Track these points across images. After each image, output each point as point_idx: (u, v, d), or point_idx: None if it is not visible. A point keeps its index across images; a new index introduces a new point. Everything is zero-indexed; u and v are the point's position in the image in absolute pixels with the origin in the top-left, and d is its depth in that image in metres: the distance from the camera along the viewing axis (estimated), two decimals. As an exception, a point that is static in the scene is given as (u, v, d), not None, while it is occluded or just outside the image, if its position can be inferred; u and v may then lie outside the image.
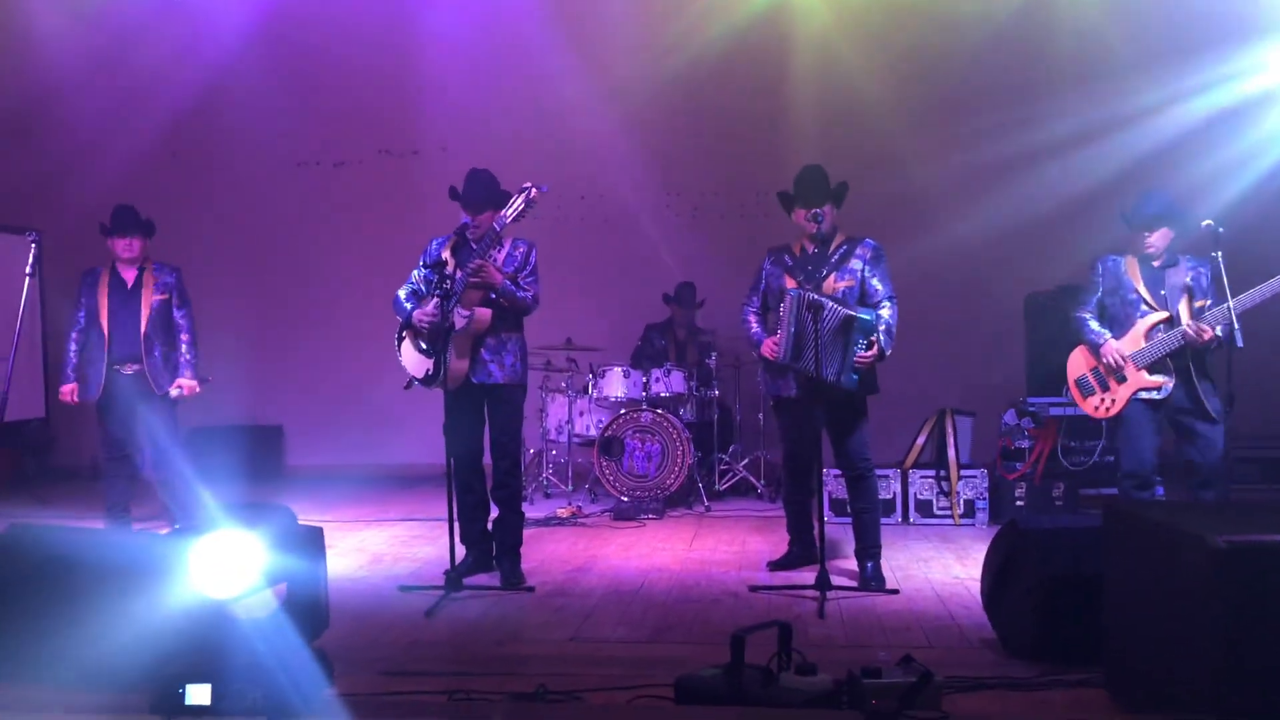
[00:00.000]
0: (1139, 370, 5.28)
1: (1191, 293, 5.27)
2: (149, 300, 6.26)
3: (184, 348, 6.36)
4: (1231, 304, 5.01)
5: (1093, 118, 8.43)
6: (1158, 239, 5.32)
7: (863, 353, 5.03)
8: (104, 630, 3.56)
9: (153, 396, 6.19)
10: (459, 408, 5.29)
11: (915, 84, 8.90)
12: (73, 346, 6.29)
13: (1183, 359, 5.22)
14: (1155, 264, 5.36)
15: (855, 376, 5.05)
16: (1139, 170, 8.02)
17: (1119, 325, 5.39)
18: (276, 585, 3.54)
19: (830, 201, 5.29)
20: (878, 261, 5.32)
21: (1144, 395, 5.29)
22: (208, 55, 9.05)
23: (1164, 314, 5.28)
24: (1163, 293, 5.31)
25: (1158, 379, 5.26)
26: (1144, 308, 5.32)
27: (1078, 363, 5.55)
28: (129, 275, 6.32)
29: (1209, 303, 5.22)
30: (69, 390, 6.27)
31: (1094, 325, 5.45)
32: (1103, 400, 5.42)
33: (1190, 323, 5.15)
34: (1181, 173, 7.57)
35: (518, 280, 5.32)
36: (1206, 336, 5.10)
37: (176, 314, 6.37)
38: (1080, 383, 5.52)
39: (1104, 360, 5.36)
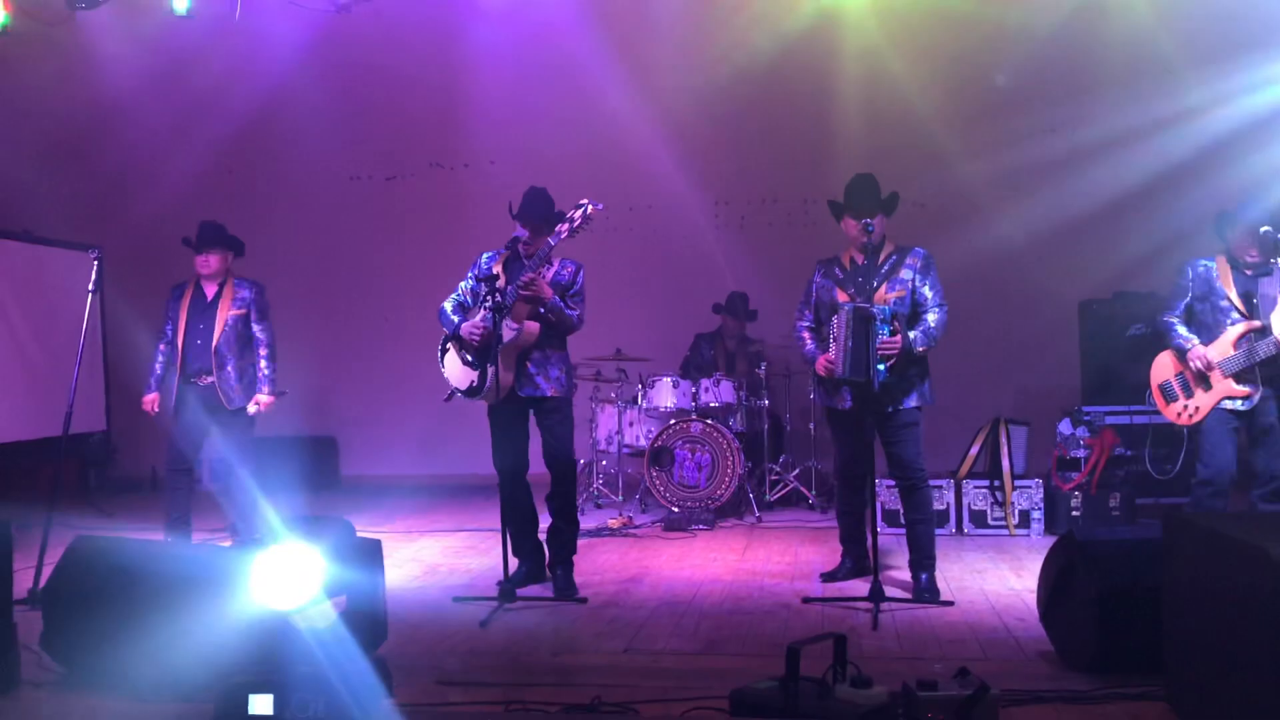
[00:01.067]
0: (1226, 378, 5.19)
1: None
2: (224, 315, 6.29)
3: (262, 362, 6.36)
4: None
5: (1142, 119, 8.31)
6: (1256, 244, 5.20)
7: (885, 340, 4.99)
8: (168, 641, 3.64)
9: (222, 410, 6.24)
10: (506, 421, 5.34)
11: (963, 92, 8.85)
12: (158, 358, 6.37)
13: (1273, 369, 5.11)
14: (1249, 272, 5.26)
15: (882, 368, 5.00)
16: (1189, 172, 7.93)
17: (1207, 332, 5.28)
18: (337, 597, 3.60)
19: (881, 211, 5.26)
20: (928, 270, 5.28)
21: (1228, 404, 5.20)
22: (261, 74, 9.21)
23: (1256, 323, 5.16)
24: (1255, 301, 5.19)
25: (1244, 389, 5.16)
26: (1235, 315, 5.22)
27: (1163, 367, 5.46)
28: (210, 290, 6.39)
29: None
30: (150, 400, 6.35)
31: (1182, 330, 5.35)
32: (1186, 407, 5.32)
33: None
34: (1231, 174, 7.46)
35: (566, 299, 5.36)
36: None
37: (255, 328, 6.38)
38: (1164, 388, 5.43)
39: (1191, 366, 5.27)
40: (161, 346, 6.37)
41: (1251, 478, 5.32)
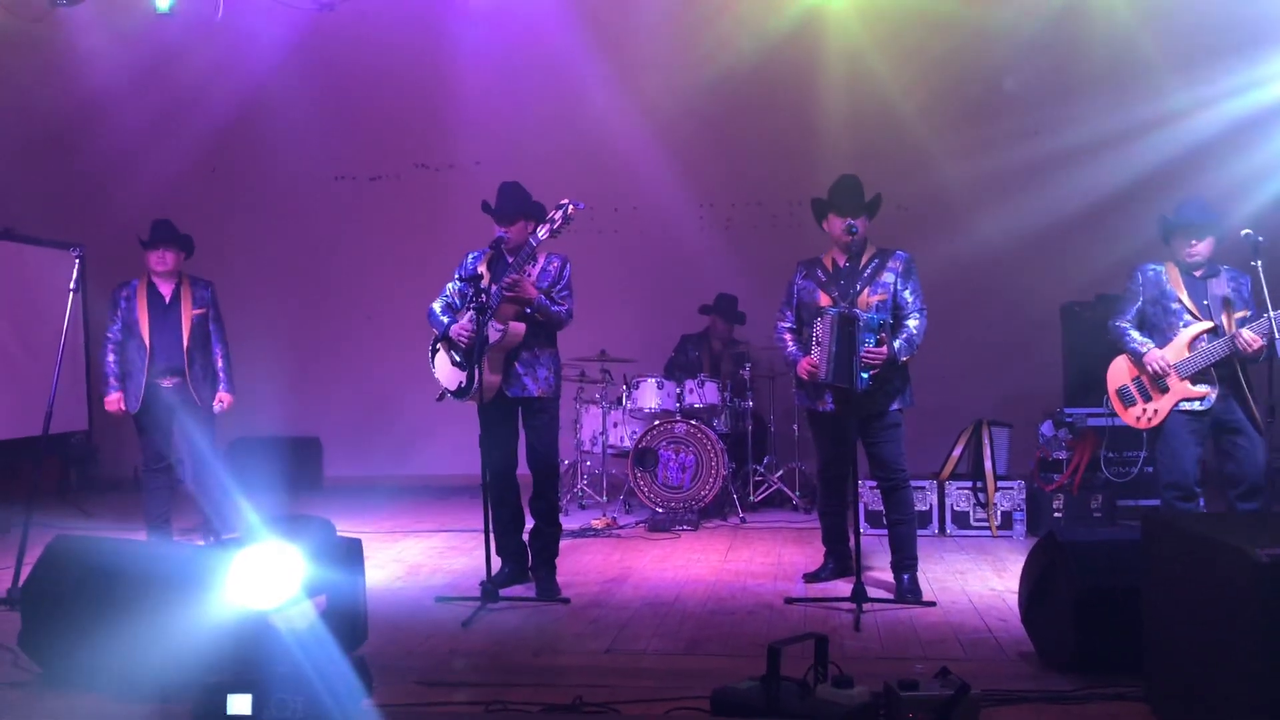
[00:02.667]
0: (1182, 380, 5.22)
1: (1231, 303, 5.20)
2: (189, 314, 6.33)
3: (221, 360, 6.44)
4: (1274, 314, 4.95)
5: (1125, 123, 8.35)
6: (1202, 248, 5.25)
7: (870, 349, 5.01)
8: (147, 640, 3.62)
9: (195, 408, 6.26)
10: (493, 421, 5.33)
11: (947, 94, 8.88)
12: (111, 358, 6.34)
13: (1228, 369, 5.16)
14: (1197, 274, 5.30)
15: (865, 375, 5.01)
16: (1171, 175, 7.96)
17: (1160, 335, 5.32)
18: (316, 596, 3.59)
19: (865, 214, 5.27)
20: (909, 273, 5.29)
21: (1186, 406, 5.23)
22: (246, 72, 9.18)
23: (1209, 324, 5.21)
24: (1205, 303, 5.24)
25: (1201, 389, 5.19)
26: (1187, 317, 5.25)
27: (1119, 372, 5.49)
28: (166, 289, 6.37)
29: (1249, 313, 5.15)
30: (115, 399, 6.32)
31: (1135, 334, 5.38)
32: (1144, 411, 5.36)
33: (1240, 332, 5.08)
34: (1214, 177, 7.50)
35: (552, 295, 5.35)
36: (1256, 346, 5.03)
37: (212, 327, 6.45)
38: (1121, 393, 5.46)
39: (1148, 369, 5.30)
40: (112, 347, 6.33)
41: (1221, 479, 5.35)
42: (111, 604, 3.82)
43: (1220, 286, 5.24)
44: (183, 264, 6.47)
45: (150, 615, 3.70)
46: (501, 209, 5.36)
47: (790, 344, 5.44)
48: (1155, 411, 5.31)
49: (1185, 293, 5.27)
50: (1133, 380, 5.41)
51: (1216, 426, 5.22)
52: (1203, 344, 5.19)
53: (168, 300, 6.35)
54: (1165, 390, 5.27)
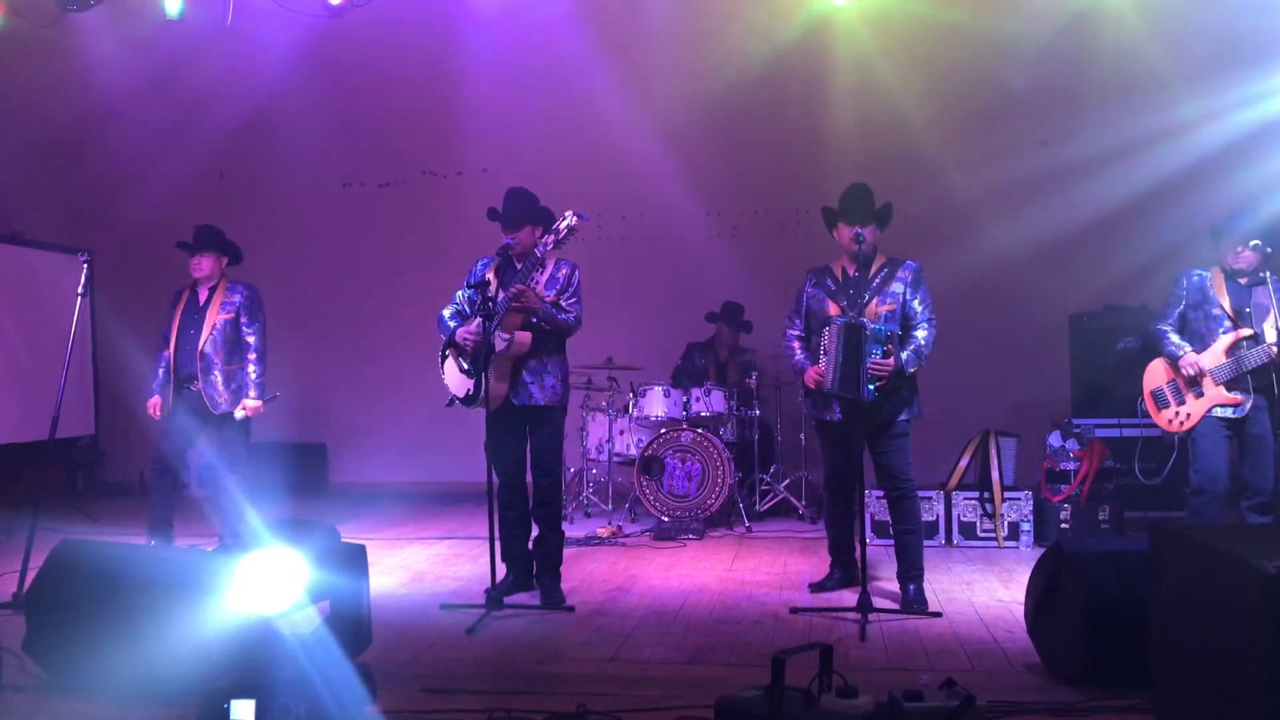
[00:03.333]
0: (1217, 385, 5.20)
1: (1277, 313, 5.15)
2: (212, 319, 6.23)
3: (250, 367, 6.25)
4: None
5: (1134, 134, 8.33)
6: (1249, 255, 5.24)
7: (878, 360, 4.99)
8: (152, 645, 3.62)
9: (208, 415, 6.20)
10: (500, 428, 5.32)
11: (956, 103, 8.87)
12: (161, 363, 6.31)
13: (1264, 378, 5.14)
14: (1242, 281, 5.29)
15: (872, 387, 5.00)
16: (1180, 187, 7.95)
17: (1199, 340, 5.33)
18: (320, 602, 3.58)
19: (874, 222, 5.25)
20: (919, 283, 5.28)
21: (1219, 412, 5.22)
22: (256, 79, 9.21)
23: (1248, 331, 5.19)
24: (1248, 310, 5.23)
25: (1236, 396, 5.18)
26: (1227, 324, 5.25)
27: (1155, 374, 5.49)
28: (203, 294, 6.35)
29: None
30: (153, 404, 6.31)
31: (1174, 338, 5.39)
32: (1177, 414, 5.35)
33: (1277, 341, 5.06)
34: (1224, 188, 7.48)
35: (560, 303, 5.34)
36: None
37: (245, 331, 6.27)
38: (1156, 394, 5.46)
39: (1183, 373, 5.29)
40: (162, 353, 6.30)
41: (1242, 488, 5.33)
42: (116, 609, 3.81)
43: (1265, 295, 5.21)
44: (224, 269, 6.39)
45: (155, 620, 3.69)
46: (507, 215, 5.36)
47: (798, 352, 5.43)
48: (1188, 415, 5.30)
49: (1228, 299, 5.26)
50: (1168, 383, 5.41)
51: (1244, 435, 5.20)
52: (1241, 351, 5.18)
53: (200, 305, 6.32)
54: (1200, 395, 5.26)
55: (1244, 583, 2.86)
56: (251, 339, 6.30)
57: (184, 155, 9.48)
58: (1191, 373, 5.25)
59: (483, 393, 5.21)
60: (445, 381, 5.54)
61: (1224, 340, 5.23)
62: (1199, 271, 5.42)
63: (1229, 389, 5.19)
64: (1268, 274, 5.20)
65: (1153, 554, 3.55)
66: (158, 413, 6.26)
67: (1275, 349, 5.03)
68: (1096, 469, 6.93)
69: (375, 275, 9.85)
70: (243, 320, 6.29)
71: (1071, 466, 7.01)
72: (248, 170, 9.94)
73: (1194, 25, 8.26)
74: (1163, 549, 3.49)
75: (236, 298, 6.31)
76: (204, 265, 6.27)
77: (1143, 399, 5.56)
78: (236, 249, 6.42)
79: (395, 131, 9.86)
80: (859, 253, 5.19)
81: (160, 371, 6.29)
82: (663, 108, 9.15)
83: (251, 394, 6.25)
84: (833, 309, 5.25)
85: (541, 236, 5.25)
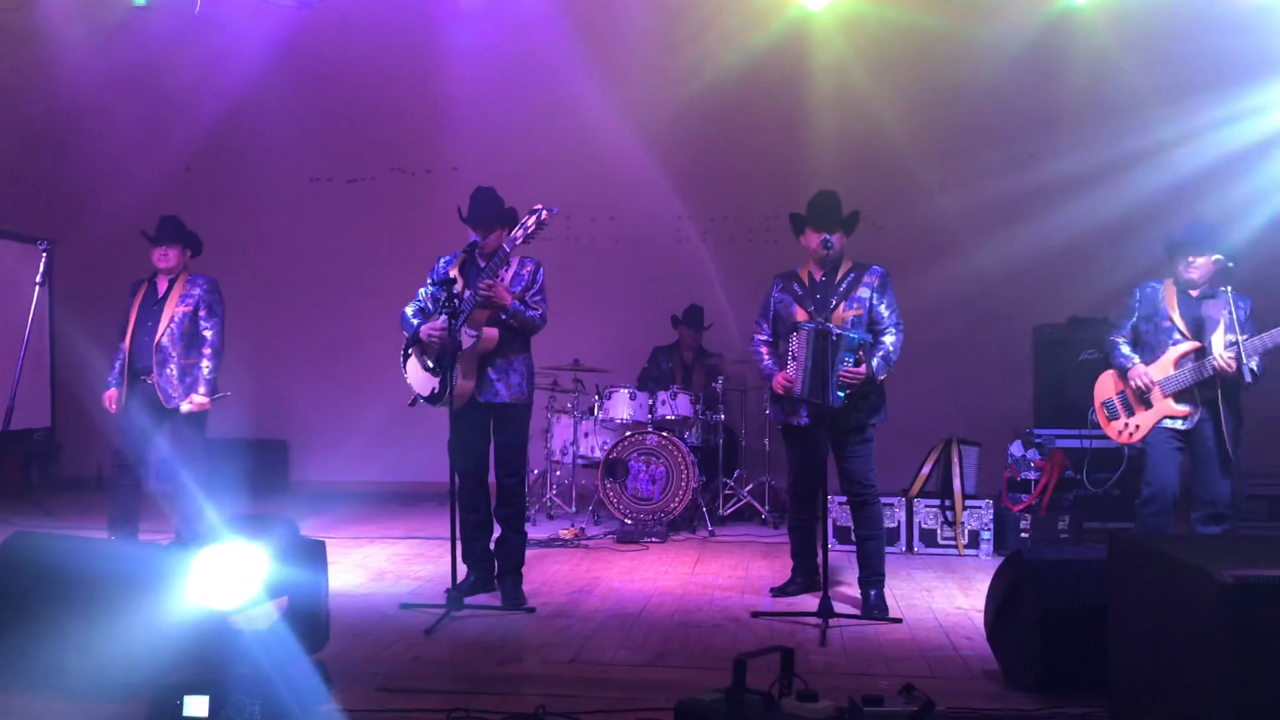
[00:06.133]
0: (1166, 397, 5.25)
1: (1227, 326, 5.19)
2: (170, 312, 6.13)
3: (204, 362, 6.12)
4: (1242, 341, 4.98)
5: (1108, 151, 8.42)
6: (1199, 267, 5.28)
7: (850, 369, 5.01)
8: (104, 640, 3.57)
9: (163, 409, 6.12)
10: (464, 426, 5.29)
11: (930, 113, 8.92)
12: (119, 355, 6.22)
13: (1211, 391, 5.19)
14: (1193, 293, 5.33)
15: (841, 394, 5.02)
16: (1154, 204, 8.03)
17: (1150, 352, 5.38)
18: (278, 598, 3.54)
19: (841, 229, 5.28)
20: (885, 288, 5.31)
21: (1168, 424, 5.27)
22: (225, 72, 9.12)
23: (1195, 344, 5.24)
24: (1197, 322, 5.29)
25: (1184, 408, 5.23)
26: (1177, 336, 5.30)
27: (1106, 385, 5.55)
28: (163, 286, 6.26)
29: (1246, 337, 5.17)
30: (109, 396, 6.21)
31: (1125, 349, 5.44)
32: (1126, 425, 5.40)
33: (1226, 352, 5.11)
34: (1196, 207, 7.52)
35: (526, 299, 5.33)
36: (1232, 369, 5.07)
37: (203, 324, 6.16)
38: (1107, 405, 5.51)
39: (1132, 384, 5.34)
40: (121, 344, 6.22)
41: (1192, 501, 5.38)
42: (69, 603, 3.76)
43: (1216, 308, 5.25)
44: (188, 261, 6.31)
45: (108, 615, 3.64)
46: (481, 216, 5.33)
47: (766, 357, 5.44)
48: (1137, 427, 5.35)
49: (1178, 311, 5.31)
50: (1118, 394, 5.46)
51: (1193, 447, 5.25)
52: (1188, 363, 5.23)
53: (160, 296, 6.23)
54: (1149, 406, 5.31)
55: (1200, 592, 2.89)
56: (208, 334, 6.17)
57: (150, 148, 9.37)
58: (1140, 384, 5.30)
59: (449, 390, 5.17)
60: (408, 381, 5.51)
61: (1173, 352, 5.29)
62: (1153, 284, 5.48)
63: (1177, 401, 5.25)
64: (1228, 289, 5.26)
65: (1111, 563, 3.58)
66: (114, 406, 6.16)
67: (1221, 361, 5.09)
68: (1057, 479, 6.99)
69: (342, 272, 9.76)
70: (201, 314, 6.17)
71: (1032, 476, 7.06)
72: (215, 164, 9.82)
73: (1166, 42, 8.35)
74: (1121, 558, 3.52)
75: (197, 290, 6.19)
76: (170, 256, 6.18)
77: (1094, 410, 5.62)
78: (198, 240, 6.34)
79: (366, 127, 9.79)
80: (826, 258, 5.22)
81: (116, 364, 6.19)
82: (636, 112, 9.14)
83: (201, 389, 6.09)
84: (800, 314, 5.27)
85: (509, 233, 5.22)
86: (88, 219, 9.43)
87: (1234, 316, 5.17)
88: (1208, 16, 8.06)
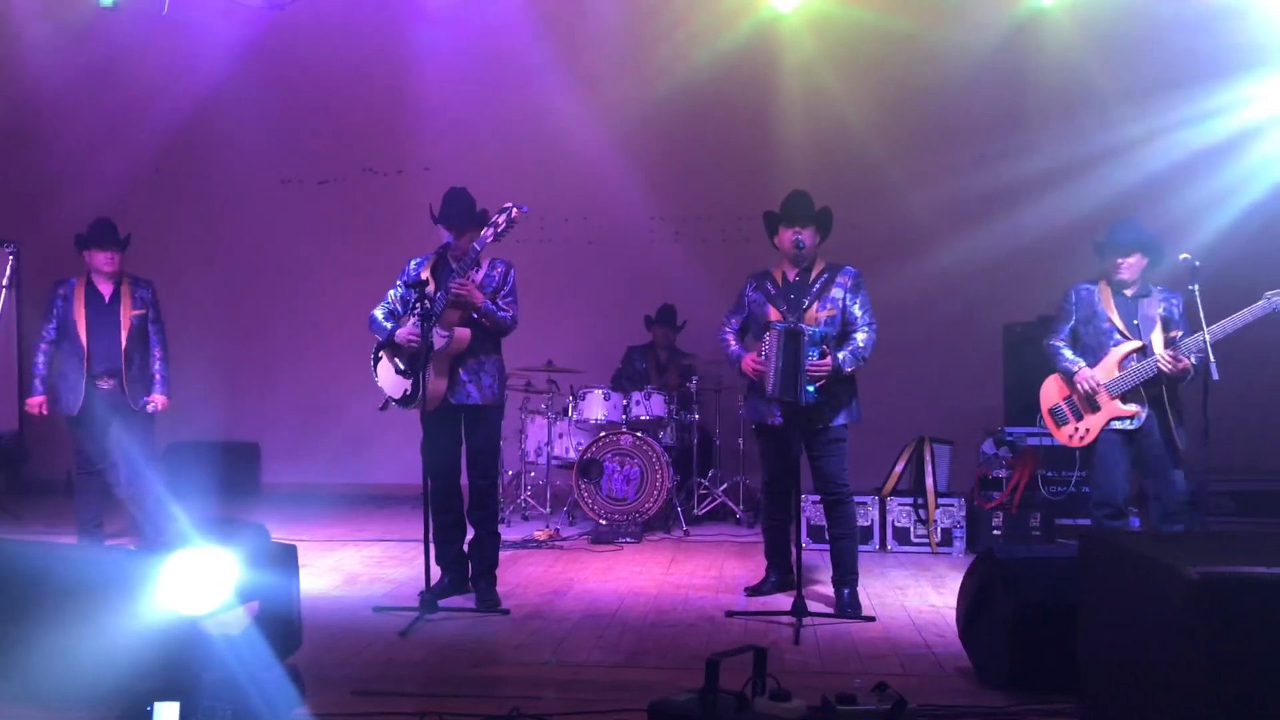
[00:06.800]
0: (1113, 399, 5.29)
1: (1164, 323, 5.28)
2: (128, 315, 6.23)
3: (157, 363, 6.37)
4: (1207, 335, 5.03)
5: (1076, 150, 8.49)
6: (1130, 266, 5.33)
7: (815, 362, 5.03)
8: (72, 647, 3.52)
9: (129, 411, 6.13)
10: (436, 428, 5.27)
11: (900, 112, 8.97)
12: (42, 359, 6.23)
13: (1156, 388, 5.24)
14: (1128, 293, 5.37)
15: (812, 389, 5.04)
16: (1121, 203, 8.06)
17: (1091, 354, 5.40)
18: (248, 602, 3.51)
19: (814, 225, 5.30)
20: (858, 288, 5.33)
21: (1117, 425, 5.30)
22: (196, 72, 9.06)
23: (1137, 343, 5.28)
24: (1135, 322, 5.32)
25: (1131, 408, 5.27)
26: (1117, 336, 5.34)
27: (1051, 391, 5.57)
28: (106, 289, 6.26)
29: (1181, 333, 5.23)
30: (37, 403, 6.21)
31: (1068, 354, 5.46)
32: (1076, 429, 5.43)
33: (1166, 352, 5.17)
34: (1163, 206, 7.62)
35: (497, 300, 5.32)
36: (1182, 366, 5.12)
37: (151, 329, 6.38)
38: (1054, 411, 5.53)
39: (1079, 388, 5.37)
40: (44, 347, 6.25)
41: (1148, 500, 5.43)
42: (36, 609, 3.71)
43: (1152, 306, 5.31)
44: (123, 264, 6.37)
45: (77, 621, 3.59)
46: (453, 217, 5.32)
47: (733, 344, 5.46)
48: (1087, 430, 5.38)
49: (1116, 312, 5.34)
50: (1064, 399, 5.48)
51: (1144, 447, 5.30)
52: (1132, 363, 5.27)
53: (107, 300, 6.23)
54: (1096, 409, 5.34)
55: (1168, 588, 2.92)
56: (158, 336, 6.42)
57: (121, 149, 9.28)
58: (1087, 388, 5.32)
59: (420, 393, 5.15)
60: (379, 384, 5.48)
61: (1115, 353, 5.31)
62: (1087, 285, 5.48)
63: (1124, 401, 5.29)
64: (1154, 288, 5.32)
65: (1081, 561, 3.61)
66: (44, 410, 6.22)
67: (1163, 360, 5.14)
68: (1028, 477, 7.04)
69: (312, 273, 9.71)
70: (150, 316, 6.39)
71: (1004, 474, 7.11)
72: (184, 164, 9.75)
73: (1133, 43, 8.43)
74: (1091, 556, 3.55)
75: (147, 294, 6.41)
76: (116, 260, 6.32)
77: (1041, 416, 5.64)
78: (128, 242, 6.44)
79: (336, 128, 9.75)
80: (798, 257, 5.23)
81: (43, 366, 6.22)
82: (609, 112, 9.15)
83: (161, 390, 6.35)
84: (773, 314, 5.28)
85: (481, 232, 5.21)
86: (53, 220, 9.31)
87: (1171, 314, 5.25)
88: (1172, 18, 8.16)
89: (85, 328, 6.16)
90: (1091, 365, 5.36)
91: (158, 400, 6.32)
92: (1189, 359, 5.12)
